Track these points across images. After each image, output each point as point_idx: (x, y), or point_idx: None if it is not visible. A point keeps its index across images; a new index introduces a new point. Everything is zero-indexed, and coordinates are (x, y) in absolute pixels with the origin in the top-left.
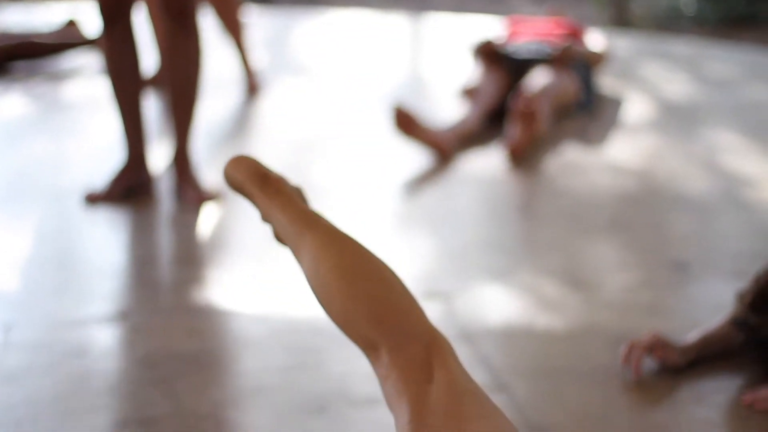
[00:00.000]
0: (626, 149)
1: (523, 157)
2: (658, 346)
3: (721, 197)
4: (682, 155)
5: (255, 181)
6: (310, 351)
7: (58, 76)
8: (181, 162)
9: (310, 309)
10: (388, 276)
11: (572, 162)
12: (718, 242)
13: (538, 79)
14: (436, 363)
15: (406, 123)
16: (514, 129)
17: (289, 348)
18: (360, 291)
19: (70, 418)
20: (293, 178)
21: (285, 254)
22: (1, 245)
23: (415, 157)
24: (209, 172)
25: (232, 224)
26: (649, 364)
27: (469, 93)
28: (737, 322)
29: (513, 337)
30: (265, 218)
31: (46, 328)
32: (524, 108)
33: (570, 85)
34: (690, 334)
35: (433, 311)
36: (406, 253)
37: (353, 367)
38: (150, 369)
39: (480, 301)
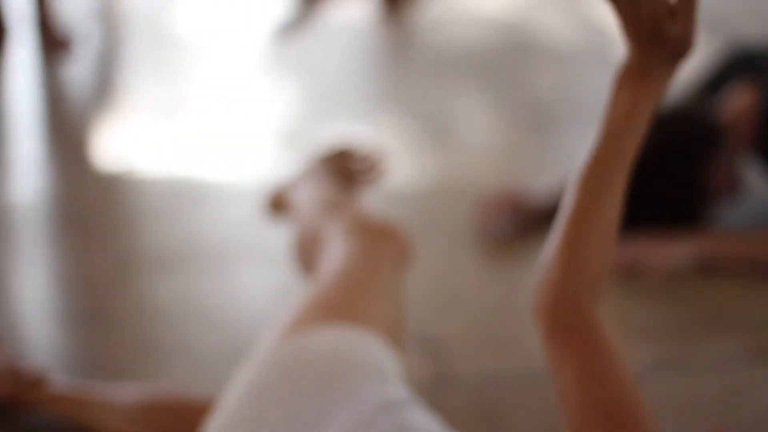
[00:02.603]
0: (496, 1)
1: (396, 4)
2: (508, 202)
3: (588, 50)
4: (552, 7)
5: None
6: None
7: None
8: None
9: None
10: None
11: (442, 13)
12: (581, 95)
13: None
14: None
15: None
16: None
17: None
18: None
19: None
20: (155, 25)
21: None
22: None
23: (282, 2)
24: None
25: None
26: (504, 220)
27: None
28: None
29: (375, 191)
30: None
31: None
32: None
33: None
34: (541, 187)
35: (290, 160)
36: (271, 96)
37: None
38: None
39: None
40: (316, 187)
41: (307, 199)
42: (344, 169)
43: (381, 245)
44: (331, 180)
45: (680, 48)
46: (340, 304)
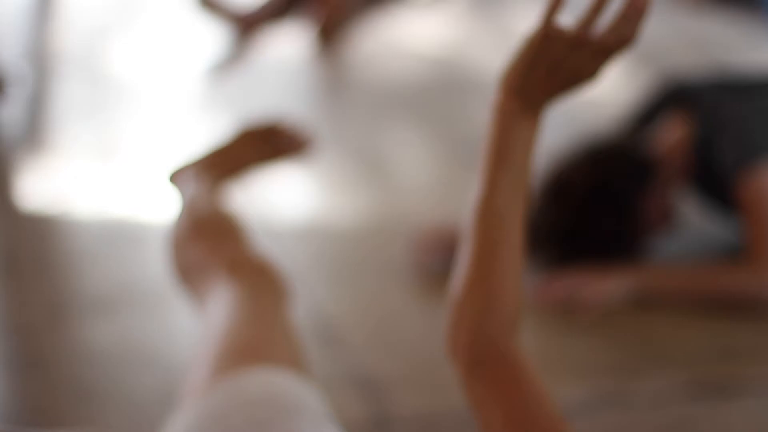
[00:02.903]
0: (432, 35)
1: (329, 40)
2: (442, 238)
3: None
4: (485, 40)
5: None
6: None
7: None
8: None
9: None
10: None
11: (376, 47)
12: None
13: None
14: None
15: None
16: (319, 10)
17: None
18: None
19: None
20: (88, 66)
21: None
22: None
23: (217, 39)
24: None
25: None
26: (439, 256)
27: None
28: (528, 216)
29: (306, 228)
30: None
31: None
32: None
33: None
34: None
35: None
36: (206, 136)
37: None
38: None
39: (273, 191)
40: (209, 196)
41: (195, 205)
42: (271, 143)
43: (265, 284)
44: (235, 174)
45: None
46: (253, 346)
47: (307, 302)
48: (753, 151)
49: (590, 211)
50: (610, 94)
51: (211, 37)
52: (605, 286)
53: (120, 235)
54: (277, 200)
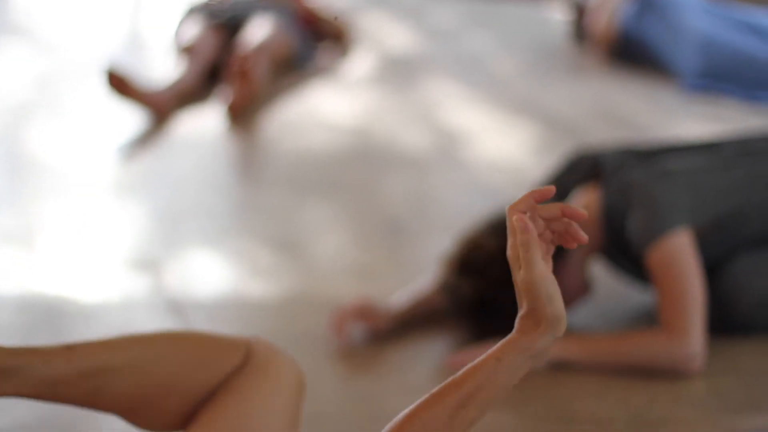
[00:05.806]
0: (345, 106)
1: (241, 116)
2: (365, 312)
3: (438, 154)
4: (400, 111)
5: None
6: None
7: None
8: None
9: None
10: None
11: (290, 121)
12: (433, 201)
13: (254, 35)
14: None
15: (120, 84)
16: (230, 88)
17: None
18: None
19: None
20: (4, 151)
21: None
22: None
23: (131, 121)
24: None
25: None
26: (358, 330)
27: (187, 51)
28: (442, 287)
29: (223, 306)
30: None
31: None
32: (239, 67)
33: (286, 38)
34: (396, 298)
35: (141, 283)
36: (119, 220)
37: None
38: None
39: (191, 270)
40: None
41: None
42: None
43: None
44: None
45: None
46: None
47: None
48: (660, 221)
49: (506, 285)
50: (529, 165)
51: (127, 117)
52: None
53: (44, 324)
54: (186, 278)
